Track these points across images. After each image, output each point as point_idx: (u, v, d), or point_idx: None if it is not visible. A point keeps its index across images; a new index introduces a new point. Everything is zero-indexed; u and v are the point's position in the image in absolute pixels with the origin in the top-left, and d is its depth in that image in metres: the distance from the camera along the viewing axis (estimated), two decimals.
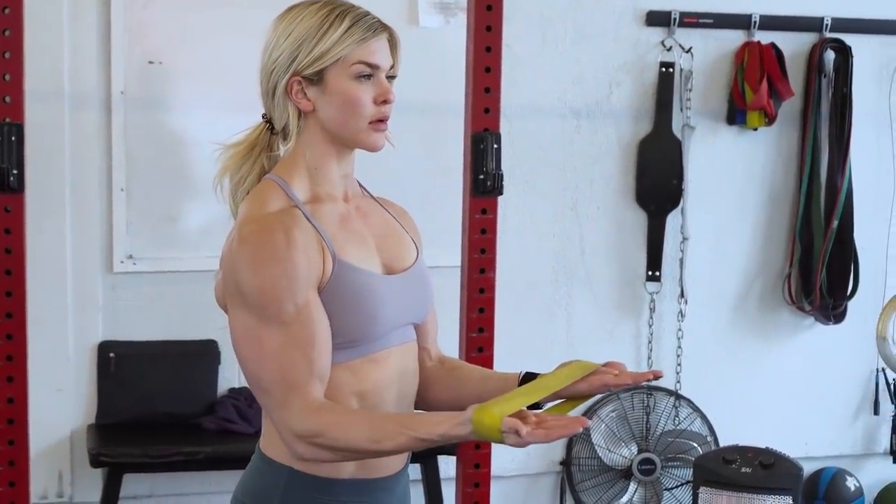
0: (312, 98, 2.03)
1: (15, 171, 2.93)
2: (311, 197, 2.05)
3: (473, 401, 1.90)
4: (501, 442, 1.81)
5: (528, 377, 2.13)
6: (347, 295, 1.98)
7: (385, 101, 2.04)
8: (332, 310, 1.97)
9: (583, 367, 2.09)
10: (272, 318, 1.92)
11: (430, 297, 2.19)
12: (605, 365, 2.10)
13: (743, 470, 2.85)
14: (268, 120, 2.09)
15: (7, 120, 2.93)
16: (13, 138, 2.92)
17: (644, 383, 4.50)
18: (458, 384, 2.23)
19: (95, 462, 3.85)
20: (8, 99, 2.93)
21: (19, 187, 2.95)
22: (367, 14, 2.04)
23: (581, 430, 1.80)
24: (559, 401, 2.10)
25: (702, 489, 2.90)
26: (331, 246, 1.99)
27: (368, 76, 2.02)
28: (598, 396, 4.46)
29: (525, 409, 1.86)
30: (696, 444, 4.52)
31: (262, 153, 2.09)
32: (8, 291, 2.96)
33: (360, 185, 2.19)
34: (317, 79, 2.01)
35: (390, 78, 2.07)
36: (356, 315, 1.99)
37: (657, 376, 2.08)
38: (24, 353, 2.97)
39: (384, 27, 2.05)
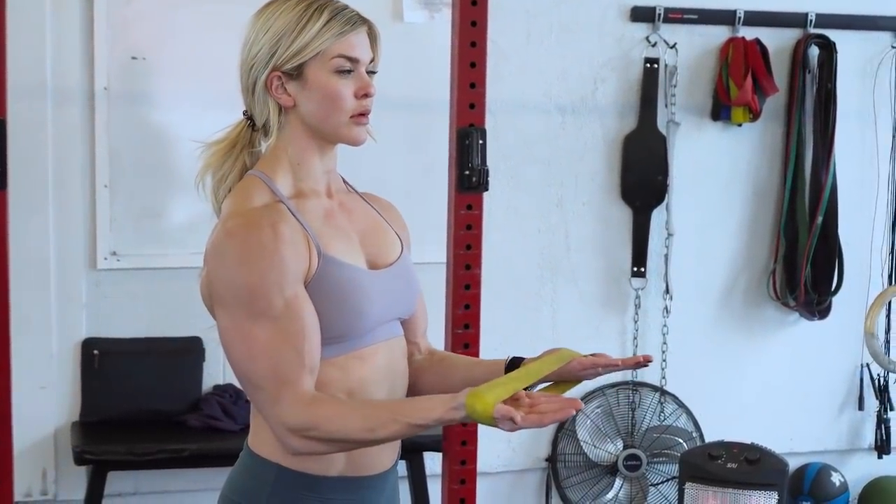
0: (293, 93, 2.02)
1: None
2: (294, 192, 2.04)
3: (460, 388, 1.89)
4: (495, 426, 1.81)
5: (515, 362, 2.14)
6: (333, 290, 1.97)
7: (366, 95, 2.03)
8: (317, 305, 1.96)
9: (569, 354, 2.10)
10: (261, 313, 1.91)
11: (417, 292, 2.18)
12: (592, 356, 2.10)
13: (729, 465, 2.86)
14: (248, 116, 2.08)
15: None
16: None
17: (630, 378, 4.55)
18: (445, 372, 2.23)
19: (80, 460, 3.83)
20: None
21: (3, 184, 2.93)
22: (345, 7, 2.03)
23: (575, 413, 1.80)
24: (548, 383, 2.11)
25: (688, 485, 2.91)
26: (316, 241, 1.98)
27: (348, 70, 2.01)
28: (584, 392, 4.51)
29: (520, 390, 1.86)
30: (681, 440, 4.52)
31: (243, 150, 2.08)
32: None
33: (345, 181, 2.19)
34: (296, 73, 2.00)
35: (371, 73, 2.06)
36: (342, 310, 1.98)
37: (647, 360, 2.08)
38: (8, 350, 2.95)
39: (363, 20, 2.04)
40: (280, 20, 2.00)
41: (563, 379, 2.10)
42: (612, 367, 2.10)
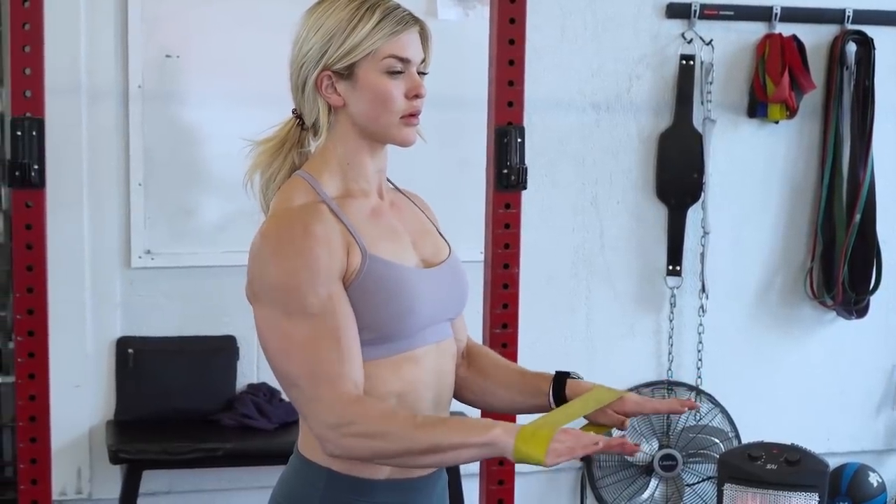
0: (343, 93, 2.00)
1: (36, 167, 2.91)
2: (342, 192, 2.02)
3: (499, 405, 2.04)
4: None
5: (560, 377, 2.13)
6: (380, 289, 1.95)
7: (416, 96, 2.01)
8: (364, 304, 1.94)
9: (609, 394, 2.10)
10: (296, 311, 1.90)
11: (466, 291, 2.16)
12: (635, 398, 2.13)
13: (769, 467, 2.82)
14: (298, 115, 2.06)
15: (28, 115, 2.91)
16: (34, 133, 2.90)
17: (665, 378, 4.52)
18: (485, 378, 2.23)
19: (114, 458, 3.83)
20: (28, 93, 2.92)
21: (40, 183, 2.93)
22: (397, 7, 2.01)
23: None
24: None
25: (727, 486, 2.86)
26: (360, 240, 1.96)
27: (399, 71, 1.99)
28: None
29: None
30: (717, 440, 4.48)
31: (292, 149, 2.06)
32: (29, 287, 2.95)
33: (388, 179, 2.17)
34: (347, 73, 1.98)
35: (422, 74, 2.04)
36: (390, 309, 1.96)
37: (692, 407, 2.14)
38: (46, 349, 2.95)
39: (415, 20, 2.02)
40: (331, 19, 1.98)
41: (599, 422, 2.11)
42: (654, 411, 2.14)
